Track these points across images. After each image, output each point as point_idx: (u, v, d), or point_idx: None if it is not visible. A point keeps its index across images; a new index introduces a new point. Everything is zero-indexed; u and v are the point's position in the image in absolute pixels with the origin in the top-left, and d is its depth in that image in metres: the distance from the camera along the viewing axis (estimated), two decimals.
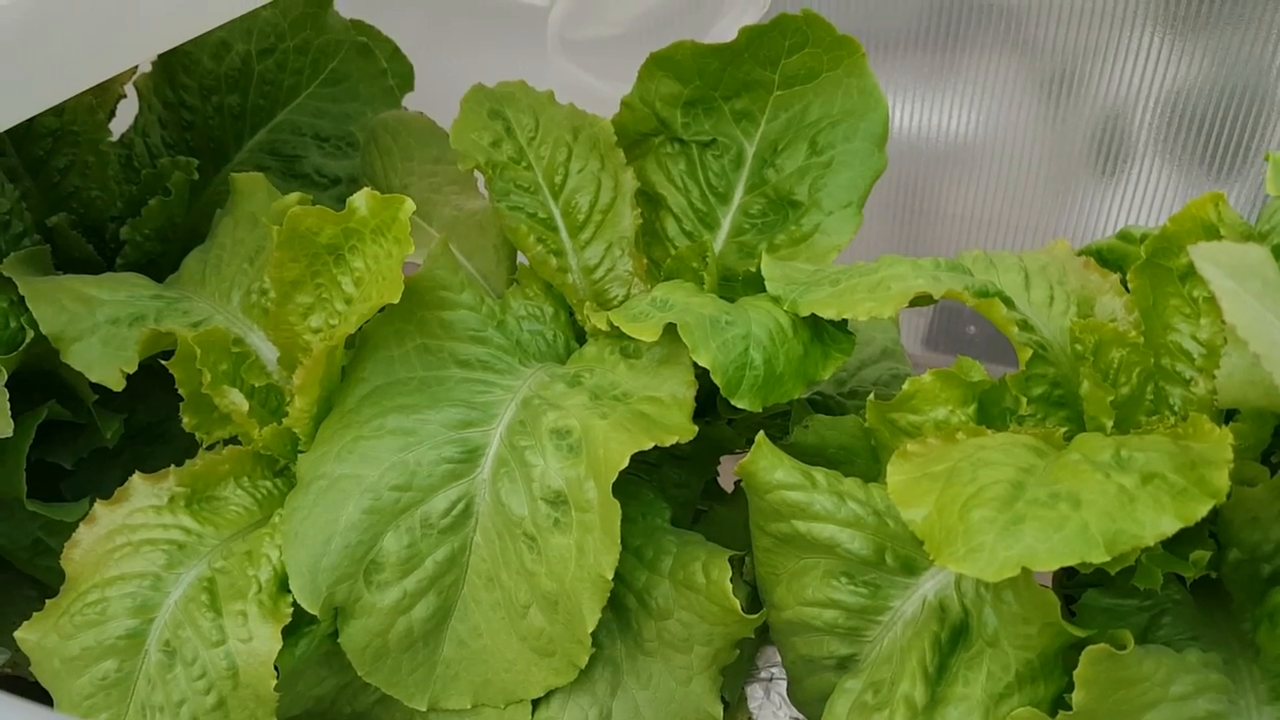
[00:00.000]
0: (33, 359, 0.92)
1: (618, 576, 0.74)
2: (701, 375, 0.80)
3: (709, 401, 0.86)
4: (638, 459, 0.74)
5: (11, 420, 0.87)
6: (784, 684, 0.94)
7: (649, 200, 0.98)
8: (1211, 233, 0.73)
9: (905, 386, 0.77)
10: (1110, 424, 0.73)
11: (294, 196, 0.87)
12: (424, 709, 0.79)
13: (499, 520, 0.77)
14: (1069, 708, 0.63)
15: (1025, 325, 0.80)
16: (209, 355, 0.83)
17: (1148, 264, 0.77)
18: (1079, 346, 0.77)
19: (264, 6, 0.95)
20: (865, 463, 0.84)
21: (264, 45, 1.15)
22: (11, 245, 1.01)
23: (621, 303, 0.93)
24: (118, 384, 0.86)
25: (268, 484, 0.86)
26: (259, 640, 0.76)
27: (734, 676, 0.94)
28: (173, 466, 0.84)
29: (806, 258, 0.93)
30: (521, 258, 0.96)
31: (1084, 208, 1.38)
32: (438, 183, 1.04)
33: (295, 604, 0.76)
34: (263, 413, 0.85)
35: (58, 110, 1.05)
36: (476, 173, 0.96)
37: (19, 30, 0.71)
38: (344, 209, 0.82)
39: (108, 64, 0.78)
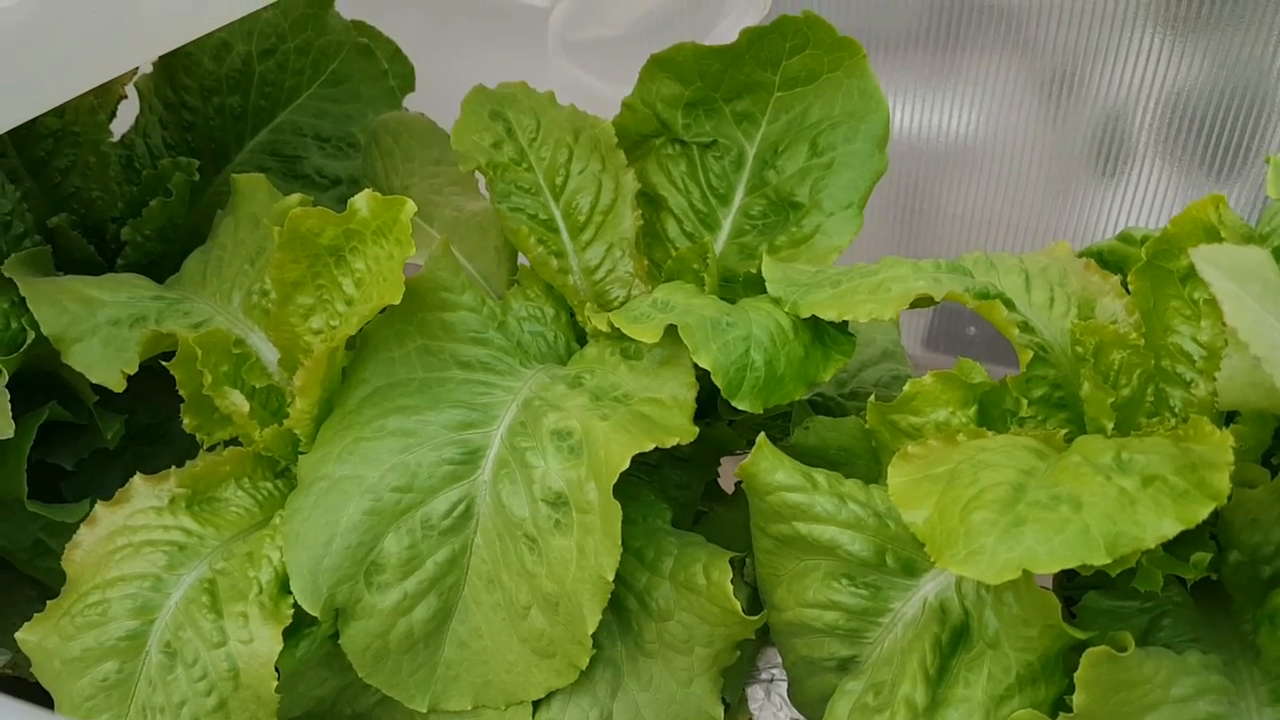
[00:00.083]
0: (34, 360, 0.93)
1: (618, 578, 0.74)
2: (702, 376, 0.80)
3: (709, 403, 0.86)
4: (638, 460, 0.74)
5: (12, 421, 0.87)
6: (785, 685, 0.94)
7: (650, 201, 0.98)
8: (1212, 235, 0.73)
9: (906, 388, 0.77)
10: (1111, 426, 0.73)
11: (295, 198, 0.87)
12: (424, 710, 0.79)
13: (500, 521, 0.77)
14: (1070, 709, 0.63)
15: (1026, 327, 0.80)
16: (210, 356, 0.83)
17: (1148, 266, 0.77)
18: (1080, 348, 0.77)
19: (265, 7, 0.95)
20: (866, 464, 0.84)
21: (265, 46, 1.15)
22: (13, 246, 1.01)
23: (622, 304, 0.93)
24: (118, 385, 0.86)
25: (268, 485, 0.86)
26: (260, 641, 0.76)
27: (735, 678, 0.94)
28: (173, 468, 0.84)
29: (807, 259, 0.93)
30: (522, 259, 0.96)
31: (1084, 208, 1.38)
32: (439, 184, 1.04)
33: (296, 605, 0.76)
34: (264, 414, 0.85)
35: (59, 111, 1.05)
36: (477, 174, 0.96)
37: (21, 32, 0.71)
38: (345, 210, 0.82)
39: (109, 65, 0.78)
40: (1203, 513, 0.56)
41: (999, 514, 0.58)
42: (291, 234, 0.82)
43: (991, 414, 0.77)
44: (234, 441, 0.87)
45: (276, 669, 0.76)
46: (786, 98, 0.95)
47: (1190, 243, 0.73)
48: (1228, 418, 0.74)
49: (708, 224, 0.98)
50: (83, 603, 0.79)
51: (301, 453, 0.81)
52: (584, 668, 0.78)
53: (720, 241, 0.97)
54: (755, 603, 0.86)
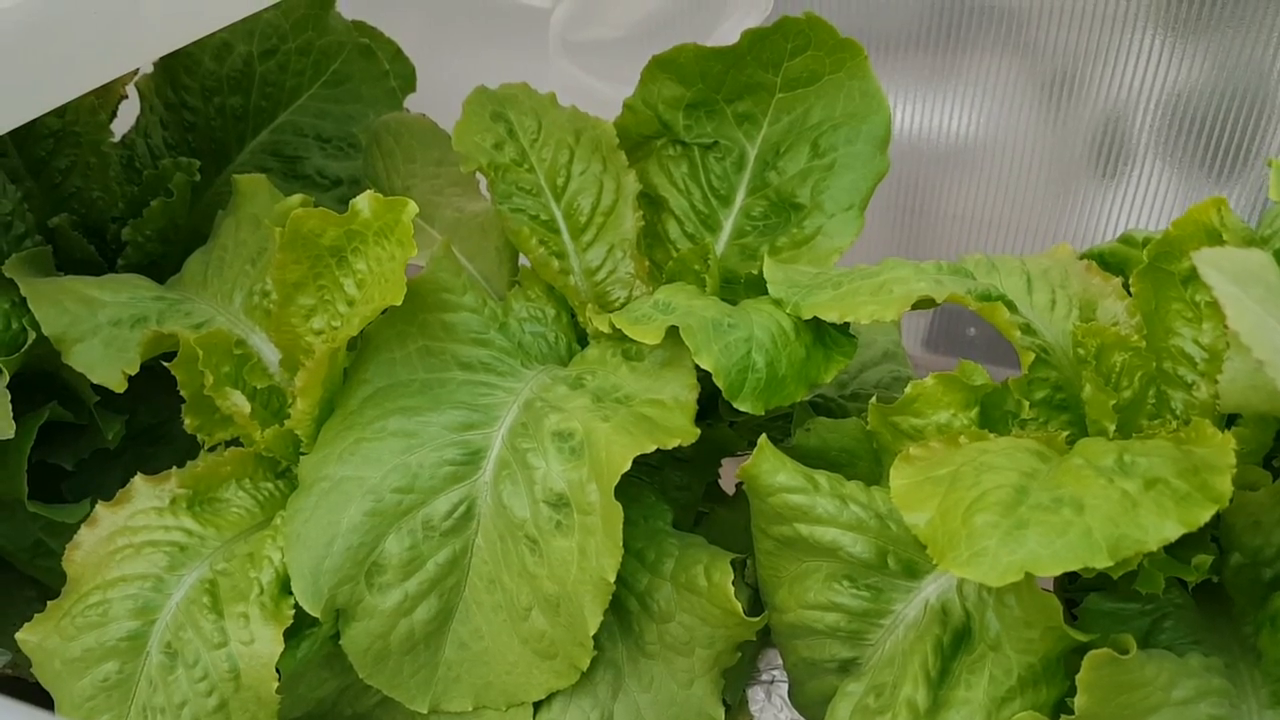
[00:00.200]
0: (34, 360, 0.93)
1: (619, 579, 0.75)
2: (703, 378, 0.80)
3: (710, 404, 0.86)
4: (639, 461, 0.74)
5: (13, 421, 0.87)
6: (785, 687, 0.94)
7: (651, 202, 0.98)
8: (1213, 237, 0.73)
9: (908, 390, 0.77)
10: (1112, 428, 0.73)
11: (297, 198, 0.87)
12: (425, 711, 0.79)
13: (501, 522, 0.77)
14: (1071, 712, 0.63)
15: (1028, 329, 0.80)
16: (211, 357, 0.83)
17: (1150, 268, 0.77)
18: (1081, 350, 0.77)
19: (266, 8, 0.95)
20: (867, 466, 0.84)
21: (266, 46, 1.15)
22: (13, 246, 1.01)
23: (623, 305, 0.93)
24: (119, 385, 0.86)
25: (269, 486, 0.86)
26: (261, 642, 0.76)
27: (735, 679, 0.94)
28: (174, 468, 0.84)
29: (808, 260, 0.93)
30: (523, 260, 0.96)
31: (1084, 210, 1.38)
32: (440, 184, 1.04)
33: (297, 606, 0.76)
34: (265, 414, 0.85)
35: (60, 111, 1.05)
36: (479, 175, 0.96)
37: (22, 32, 0.71)
38: (346, 210, 0.82)
39: (110, 66, 0.78)
40: (1205, 515, 0.56)
41: (1001, 516, 0.58)
42: (293, 235, 0.82)
43: (993, 416, 0.77)
44: (235, 442, 0.87)
45: (277, 670, 0.76)
46: (788, 99, 0.95)
47: (1192, 245, 0.73)
48: (1229, 420, 0.74)
49: (709, 225, 0.98)
50: (83, 603, 0.79)
51: (303, 453, 0.81)
52: (585, 669, 0.78)
53: (721, 243, 0.97)
54: (756, 604, 0.86)
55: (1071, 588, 0.81)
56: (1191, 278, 0.75)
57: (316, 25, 1.16)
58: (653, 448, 0.74)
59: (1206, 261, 0.55)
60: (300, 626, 0.79)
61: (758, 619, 0.78)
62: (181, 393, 0.84)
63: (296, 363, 0.83)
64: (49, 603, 0.80)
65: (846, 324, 0.82)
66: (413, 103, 1.25)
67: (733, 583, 0.77)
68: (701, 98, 0.96)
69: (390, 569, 0.76)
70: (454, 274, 0.88)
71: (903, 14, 1.31)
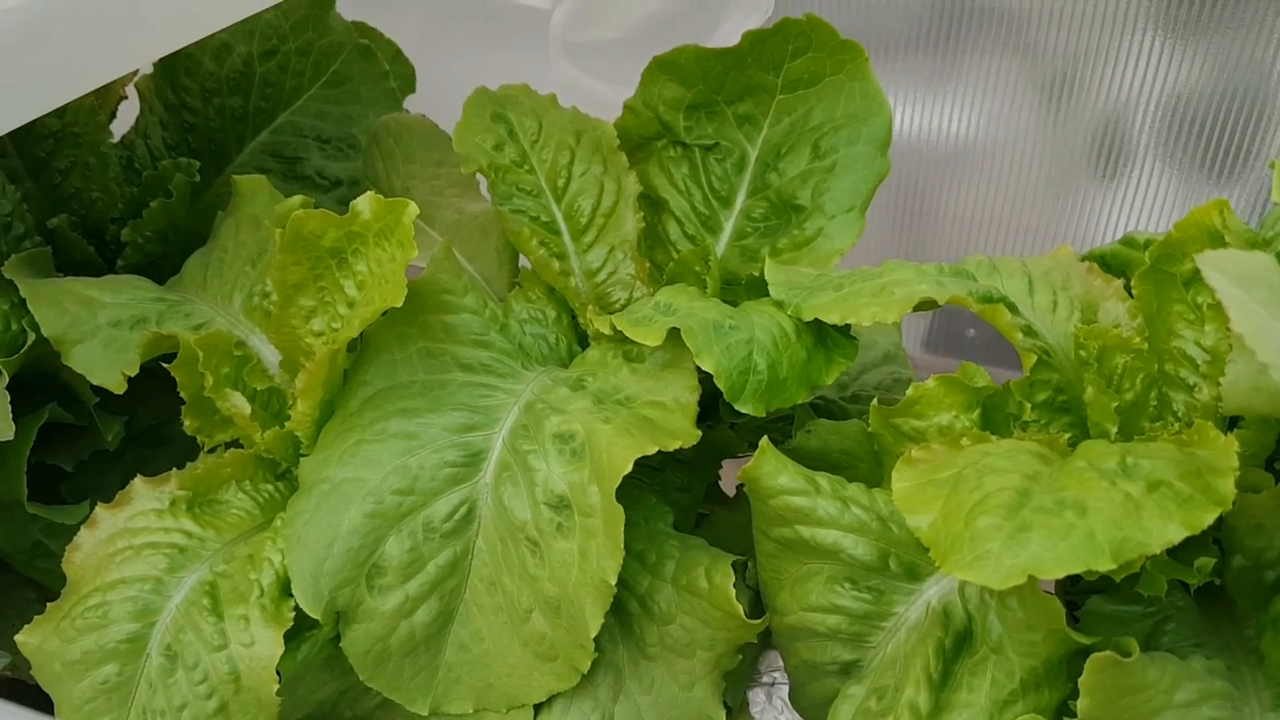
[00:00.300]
0: (34, 361, 0.92)
1: (620, 581, 0.74)
2: (704, 379, 0.80)
3: (711, 406, 0.86)
4: (640, 463, 0.74)
5: (12, 423, 0.87)
6: (786, 689, 0.94)
7: (651, 204, 0.98)
8: (1216, 239, 0.73)
9: (909, 392, 0.77)
10: (1114, 430, 0.73)
11: (297, 199, 0.87)
12: (426, 713, 0.79)
13: (501, 524, 0.77)
14: (1073, 715, 0.63)
15: (1029, 331, 0.80)
16: (211, 358, 0.83)
17: (1152, 270, 0.77)
18: (1083, 352, 0.77)
19: (266, 9, 0.95)
20: (868, 468, 0.84)
21: (266, 47, 1.15)
22: (13, 247, 1.01)
23: (624, 306, 0.93)
24: (119, 386, 0.86)
25: (269, 487, 0.86)
26: (261, 644, 0.76)
27: (736, 681, 0.94)
28: (174, 470, 0.84)
29: (809, 262, 0.93)
30: (524, 261, 0.96)
31: (1084, 211, 1.38)
32: (440, 186, 1.04)
33: (297, 608, 0.76)
34: (265, 416, 0.85)
35: (59, 112, 1.04)
36: (479, 176, 0.96)
37: (22, 32, 0.71)
38: (347, 212, 0.82)
39: (110, 67, 0.78)
40: (1208, 518, 0.56)
41: (1004, 519, 0.58)
42: (293, 236, 0.82)
43: (995, 418, 0.77)
44: (235, 444, 0.87)
45: (278, 672, 0.76)
46: (789, 100, 0.95)
47: (1194, 247, 0.73)
48: (1231, 423, 0.74)
49: (709, 226, 0.98)
50: (83, 605, 0.79)
51: (303, 455, 0.81)
52: (586, 671, 0.78)
53: (722, 244, 0.97)
54: (757, 606, 0.86)
55: (1073, 590, 0.81)
56: (1194, 280, 0.75)
57: (316, 26, 1.16)
58: (654, 449, 0.74)
59: (1210, 264, 0.55)
60: (300, 629, 0.78)
61: (759, 621, 0.78)
62: (181, 394, 0.84)
63: (296, 364, 0.83)
64: (48, 605, 0.80)
65: (848, 326, 0.82)
66: (413, 103, 1.25)
67: (734, 585, 0.77)
68: (702, 99, 0.96)
69: (391, 571, 0.76)
70: (454, 275, 0.88)
71: (903, 15, 1.31)
